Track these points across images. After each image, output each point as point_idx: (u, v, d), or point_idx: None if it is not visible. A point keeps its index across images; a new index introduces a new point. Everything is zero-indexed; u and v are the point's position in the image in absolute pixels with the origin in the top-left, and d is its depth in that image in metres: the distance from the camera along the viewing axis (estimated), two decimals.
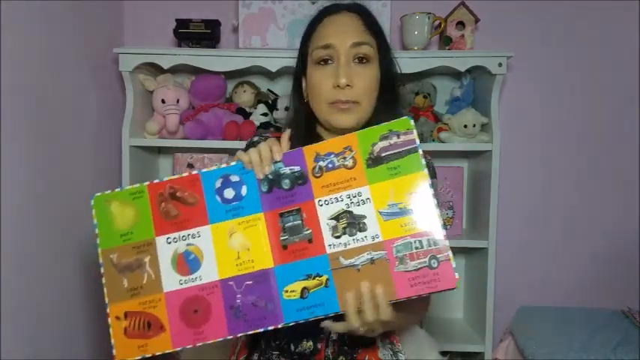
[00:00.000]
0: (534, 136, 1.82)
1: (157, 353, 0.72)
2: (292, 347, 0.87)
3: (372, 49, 0.87)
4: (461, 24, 1.63)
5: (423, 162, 0.73)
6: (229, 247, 0.75)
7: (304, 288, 0.72)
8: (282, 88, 1.76)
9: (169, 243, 0.75)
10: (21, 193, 1.19)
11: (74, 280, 1.45)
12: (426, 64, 1.56)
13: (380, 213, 0.73)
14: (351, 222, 0.73)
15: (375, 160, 0.74)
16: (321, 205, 0.75)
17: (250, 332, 0.72)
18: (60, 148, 1.37)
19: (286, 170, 0.76)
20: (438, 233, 0.70)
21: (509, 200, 1.78)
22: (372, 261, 0.71)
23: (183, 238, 0.75)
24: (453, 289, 0.69)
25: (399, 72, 0.96)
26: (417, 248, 0.70)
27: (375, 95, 0.89)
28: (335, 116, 0.87)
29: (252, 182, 0.77)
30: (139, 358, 0.73)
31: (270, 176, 0.77)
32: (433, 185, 0.97)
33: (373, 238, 0.72)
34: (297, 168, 0.76)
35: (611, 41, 1.77)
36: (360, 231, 0.73)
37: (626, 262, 1.82)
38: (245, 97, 1.73)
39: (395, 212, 0.72)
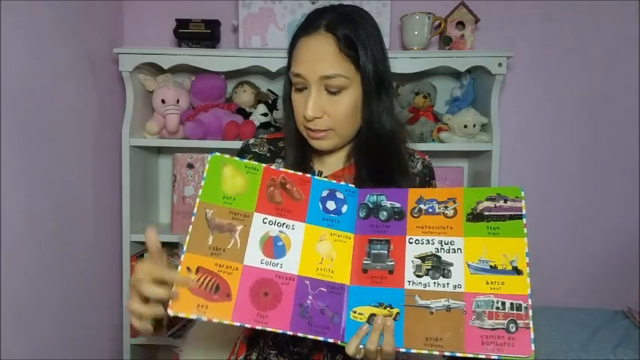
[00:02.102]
0: (534, 136, 1.82)
1: (214, 320, 0.69)
2: (291, 347, 0.88)
3: (345, 79, 0.82)
4: (461, 24, 1.63)
5: (525, 230, 0.74)
6: (315, 250, 0.77)
7: (373, 314, 0.73)
8: (282, 88, 1.76)
9: (264, 223, 0.77)
10: (21, 192, 1.19)
11: (75, 280, 1.45)
12: (426, 64, 1.56)
13: (468, 265, 0.73)
14: (436, 265, 0.74)
15: (475, 216, 0.76)
16: (411, 243, 0.77)
17: (310, 337, 0.71)
18: (60, 148, 1.37)
19: (387, 204, 0.80)
20: (524, 299, 0.69)
21: None
22: (448, 308, 0.71)
23: (279, 224, 0.77)
24: (526, 359, 0.66)
25: (390, 81, 0.89)
26: (497, 308, 0.69)
27: (355, 116, 0.86)
28: (310, 140, 0.88)
29: (353, 205, 0.81)
30: (194, 317, 0.69)
31: (370, 205, 0.80)
32: (432, 187, 0.98)
33: (455, 287, 0.72)
34: (397, 204, 0.80)
35: (611, 41, 1.77)
36: (444, 277, 0.73)
37: (626, 262, 1.82)
38: (245, 97, 1.73)
39: (484, 268, 0.73)
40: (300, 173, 0.81)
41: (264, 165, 0.80)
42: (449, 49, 1.62)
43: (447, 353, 0.69)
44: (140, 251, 1.68)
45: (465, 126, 1.58)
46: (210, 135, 1.63)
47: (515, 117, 1.80)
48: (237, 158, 0.79)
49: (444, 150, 1.63)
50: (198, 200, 0.75)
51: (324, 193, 0.81)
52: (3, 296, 1.13)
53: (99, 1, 1.60)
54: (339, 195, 0.81)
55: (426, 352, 0.69)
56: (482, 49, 1.67)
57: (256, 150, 0.97)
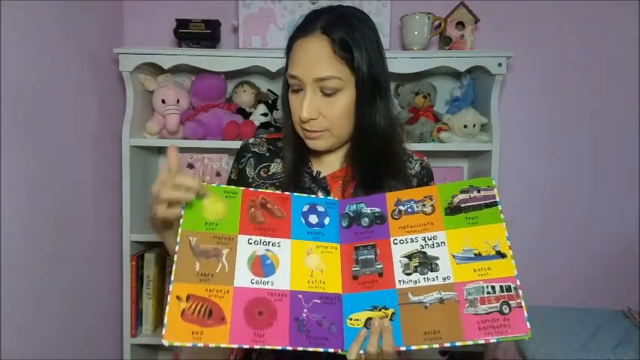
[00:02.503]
0: (534, 136, 1.82)
1: (211, 345, 0.68)
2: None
3: (340, 80, 0.82)
4: (461, 24, 1.63)
5: (502, 216, 0.76)
6: (304, 264, 0.78)
7: (369, 318, 0.73)
8: (281, 88, 1.76)
9: (250, 244, 0.77)
10: (21, 193, 1.19)
11: (75, 280, 1.45)
12: (426, 64, 1.56)
13: (454, 256, 0.75)
14: (423, 262, 0.76)
15: (453, 210, 0.78)
16: (396, 244, 0.79)
17: (310, 349, 0.71)
18: (60, 148, 1.37)
19: (367, 210, 0.82)
20: (512, 280, 0.71)
21: (509, 200, 1.78)
22: (441, 300, 0.72)
23: (264, 243, 0.78)
24: (523, 337, 0.68)
25: (387, 82, 0.89)
26: (488, 293, 0.71)
27: (350, 117, 0.86)
28: (307, 141, 0.89)
29: (335, 216, 0.83)
30: (190, 345, 0.68)
31: (351, 214, 0.82)
32: None
33: (444, 279, 0.74)
34: (377, 209, 0.82)
35: (611, 41, 1.77)
36: (432, 271, 0.75)
37: (626, 262, 1.82)
38: (245, 97, 1.73)
39: (469, 257, 0.74)
40: (278, 192, 0.82)
41: (243, 188, 0.81)
42: (449, 49, 1.62)
43: (447, 344, 0.69)
44: (140, 251, 1.68)
45: (465, 126, 1.58)
46: (210, 135, 1.63)
47: (515, 117, 1.80)
48: (215, 184, 0.80)
49: (443, 150, 1.63)
50: (180, 230, 0.75)
51: (305, 208, 0.82)
52: (3, 296, 1.13)
53: (99, 1, 1.60)
54: (320, 208, 0.83)
55: (426, 346, 0.70)
56: (482, 49, 1.67)
57: (256, 149, 0.98)
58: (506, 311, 0.69)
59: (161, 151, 1.85)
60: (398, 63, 1.54)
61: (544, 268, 1.84)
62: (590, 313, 1.68)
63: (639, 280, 1.81)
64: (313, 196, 0.84)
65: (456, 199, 0.79)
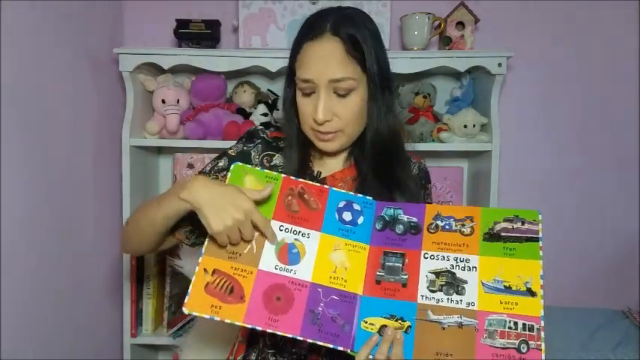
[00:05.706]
0: (534, 137, 1.82)
1: (227, 321, 0.72)
2: (289, 347, 0.87)
3: (354, 81, 0.83)
4: (461, 24, 1.63)
5: (541, 253, 0.75)
6: (329, 259, 0.78)
7: (384, 326, 0.73)
8: (282, 90, 1.76)
9: (281, 230, 0.79)
10: (21, 193, 1.19)
11: (75, 280, 1.45)
12: (426, 64, 1.56)
13: (483, 284, 0.74)
14: (450, 282, 0.75)
15: (492, 236, 0.77)
16: (426, 258, 0.78)
17: (320, 343, 0.72)
18: (60, 148, 1.37)
19: (404, 218, 0.81)
20: (537, 321, 0.70)
21: (509, 201, 1.78)
22: (460, 325, 0.72)
23: (294, 232, 0.79)
24: None
25: (392, 78, 0.92)
26: (510, 328, 0.70)
27: (362, 117, 0.88)
28: (318, 143, 0.89)
29: (370, 217, 0.82)
30: (207, 317, 0.72)
31: (387, 218, 0.82)
32: (428, 190, 0.99)
33: (468, 304, 0.73)
34: (414, 219, 0.81)
35: (611, 41, 1.77)
36: (457, 294, 0.74)
37: (626, 262, 1.82)
38: (245, 97, 1.73)
39: (498, 288, 0.73)
40: (318, 184, 0.83)
41: (284, 175, 0.83)
42: (449, 49, 1.62)
43: None
44: None
45: (465, 126, 1.58)
46: (211, 135, 1.63)
47: (515, 117, 1.80)
48: (259, 168, 0.83)
49: (443, 150, 1.63)
50: None
51: (341, 204, 0.82)
52: (3, 296, 1.13)
53: (99, 1, 1.60)
54: (356, 206, 0.83)
55: None
56: (482, 49, 1.66)
57: (264, 136, 0.97)
58: (524, 350, 0.68)
59: (161, 151, 1.85)
60: (398, 63, 1.54)
61: (544, 268, 1.83)
62: (590, 313, 1.68)
63: (639, 280, 1.81)
64: (352, 193, 0.84)
65: (498, 227, 0.77)
